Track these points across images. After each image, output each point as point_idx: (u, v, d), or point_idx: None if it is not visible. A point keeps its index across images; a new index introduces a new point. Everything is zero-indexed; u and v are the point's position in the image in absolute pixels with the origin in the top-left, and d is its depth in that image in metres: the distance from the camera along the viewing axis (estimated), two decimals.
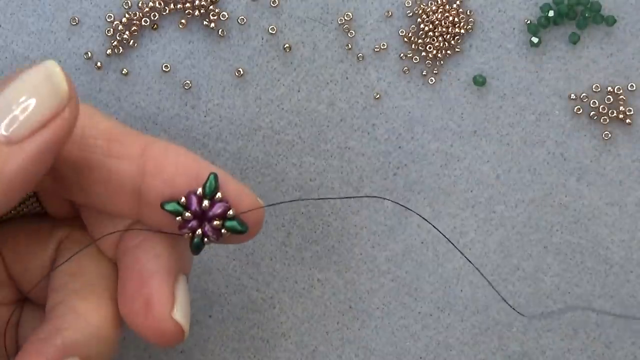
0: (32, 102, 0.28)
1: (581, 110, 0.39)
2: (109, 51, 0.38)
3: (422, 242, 0.40)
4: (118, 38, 0.38)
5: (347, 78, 0.39)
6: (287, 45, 0.39)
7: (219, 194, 0.31)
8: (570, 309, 0.40)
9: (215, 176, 0.31)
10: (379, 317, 0.40)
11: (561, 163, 0.40)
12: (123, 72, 0.39)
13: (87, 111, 0.31)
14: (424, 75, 0.39)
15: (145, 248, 0.32)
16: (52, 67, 0.28)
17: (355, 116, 0.39)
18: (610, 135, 0.39)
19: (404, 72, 0.39)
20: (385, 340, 0.40)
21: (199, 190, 0.31)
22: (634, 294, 0.40)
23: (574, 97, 0.39)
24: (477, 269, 0.40)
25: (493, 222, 0.40)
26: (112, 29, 0.38)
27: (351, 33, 0.39)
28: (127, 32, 0.38)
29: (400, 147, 0.40)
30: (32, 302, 0.35)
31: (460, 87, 0.39)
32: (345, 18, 0.39)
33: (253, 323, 0.40)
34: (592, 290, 0.40)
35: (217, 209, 0.31)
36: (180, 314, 0.31)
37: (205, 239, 0.31)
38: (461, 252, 0.40)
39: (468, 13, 0.39)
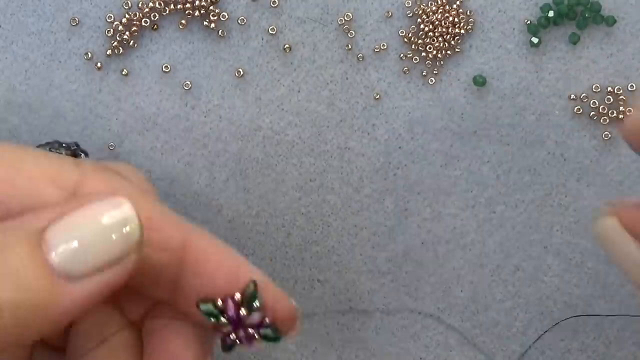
0: (101, 244, 0.27)
1: (581, 110, 0.39)
2: (109, 51, 0.38)
3: (422, 243, 0.40)
4: (118, 38, 0.38)
5: (347, 78, 0.39)
6: (287, 45, 0.39)
7: (257, 302, 0.30)
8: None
9: (255, 284, 0.30)
10: (379, 317, 0.40)
11: (561, 163, 0.40)
12: (123, 72, 0.39)
13: (127, 194, 0.31)
14: (424, 75, 0.39)
15: (175, 330, 0.31)
16: (128, 212, 0.28)
17: (355, 116, 0.39)
18: (610, 135, 0.39)
19: (404, 72, 0.39)
20: (385, 341, 0.40)
21: (237, 296, 0.30)
22: (634, 294, 0.40)
23: (574, 97, 0.39)
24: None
25: (493, 223, 0.40)
26: (112, 30, 0.38)
27: (351, 33, 0.39)
28: (127, 33, 0.38)
29: (400, 147, 0.40)
30: (44, 344, 0.34)
31: (460, 87, 0.39)
32: (345, 18, 0.39)
33: None
34: (592, 290, 0.40)
35: (254, 318, 0.30)
36: None
37: (238, 342, 0.31)
38: None
39: (468, 13, 0.39)
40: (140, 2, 0.38)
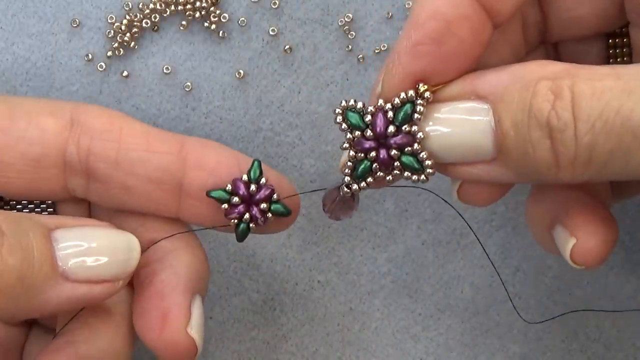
0: (104, 260, 0.29)
1: None
2: (109, 53, 0.38)
3: (422, 244, 0.40)
4: (119, 40, 0.38)
5: (347, 79, 0.39)
6: (287, 46, 0.39)
7: (263, 179, 0.32)
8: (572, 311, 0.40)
9: (259, 162, 0.32)
10: (379, 318, 0.40)
11: None
12: (124, 74, 0.39)
13: (120, 115, 0.33)
14: None
15: (165, 265, 0.32)
16: (134, 244, 0.30)
17: None
18: None
19: None
20: (385, 342, 0.40)
21: (244, 177, 0.32)
22: (634, 294, 0.40)
23: None
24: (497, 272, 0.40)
25: (493, 223, 0.40)
26: (112, 31, 0.38)
27: (352, 34, 0.39)
28: (127, 34, 0.38)
29: None
30: (39, 325, 0.35)
31: None
32: (346, 19, 0.39)
33: (254, 325, 0.40)
34: (592, 291, 0.40)
35: (264, 192, 0.32)
36: (195, 330, 0.31)
37: (252, 224, 0.32)
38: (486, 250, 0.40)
39: None
40: (141, 4, 0.38)
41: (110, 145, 0.31)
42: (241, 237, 0.32)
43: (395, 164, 0.29)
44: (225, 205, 0.32)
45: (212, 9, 0.38)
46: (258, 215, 0.32)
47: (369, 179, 0.30)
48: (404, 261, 0.40)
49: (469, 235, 0.40)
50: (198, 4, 0.38)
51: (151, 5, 0.38)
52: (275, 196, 0.32)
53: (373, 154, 0.29)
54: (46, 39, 0.38)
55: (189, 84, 0.39)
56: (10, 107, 0.32)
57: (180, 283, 0.32)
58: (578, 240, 0.30)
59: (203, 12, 0.38)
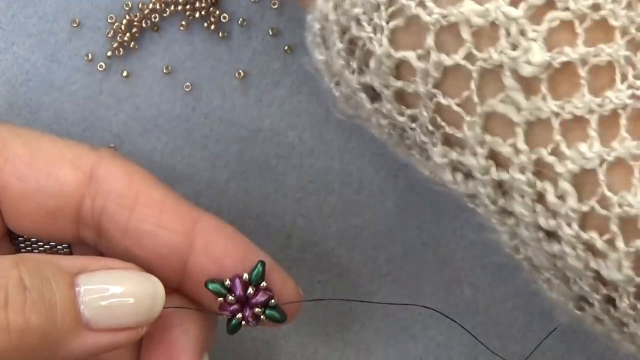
0: (128, 308, 0.29)
1: None
2: (109, 53, 0.38)
3: (422, 244, 0.40)
4: (119, 40, 0.38)
5: None
6: (287, 47, 0.39)
7: (263, 283, 0.32)
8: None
9: (264, 264, 0.32)
10: (379, 318, 0.40)
11: None
12: (124, 74, 0.39)
13: (141, 177, 0.32)
14: None
15: (174, 321, 0.32)
16: (159, 290, 0.30)
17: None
18: None
19: None
20: (385, 342, 0.40)
21: (245, 276, 0.31)
22: None
23: None
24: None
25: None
26: (112, 31, 0.38)
27: None
28: (127, 34, 0.38)
29: None
30: None
31: None
32: None
33: None
34: None
35: (261, 297, 0.32)
36: None
37: (243, 322, 0.32)
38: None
39: None
40: (141, 4, 0.38)
41: (122, 212, 0.31)
42: (232, 332, 0.32)
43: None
44: (221, 299, 0.31)
45: (212, 9, 0.38)
46: (250, 318, 0.32)
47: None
48: (404, 261, 0.40)
49: (468, 235, 0.40)
50: (198, 4, 0.38)
51: (151, 5, 0.38)
52: (273, 301, 0.32)
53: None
54: (46, 38, 0.38)
55: (189, 83, 0.39)
56: (30, 151, 0.32)
57: (189, 344, 0.32)
58: None
59: (203, 12, 0.38)
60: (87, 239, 0.33)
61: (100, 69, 0.39)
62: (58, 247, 0.33)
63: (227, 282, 0.31)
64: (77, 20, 0.38)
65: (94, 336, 0.28)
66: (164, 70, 0.39)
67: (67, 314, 0.27)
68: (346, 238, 0.40)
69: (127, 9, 0.38)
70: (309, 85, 0.39)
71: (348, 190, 0.40)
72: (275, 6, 0.39)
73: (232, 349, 0.40)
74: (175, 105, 0.39)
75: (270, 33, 0.39)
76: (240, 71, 0.39)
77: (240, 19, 0.39)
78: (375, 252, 0.40)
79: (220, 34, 0.39)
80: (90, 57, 0.39)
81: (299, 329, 0.40)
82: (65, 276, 0.28)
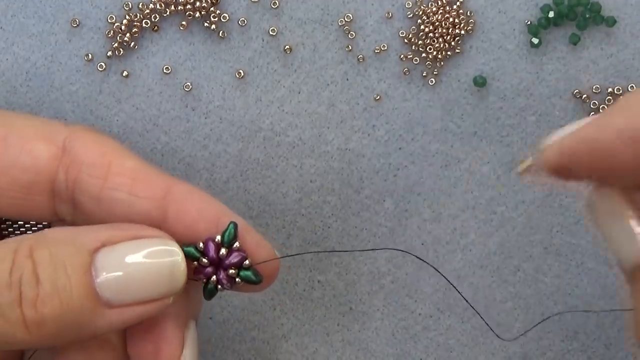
0: (147, 283, 0.29)
1: (581, 110, 0.39)
2: (109, 53, 0.38)
3: (422, 244, 0.40)
4: (119, 40, 0.38)
5: (347, 79, 0.39)
6: (287, 46, 0.39)
7: (236, 244, 0.31)
8: (551, 316, 0.40)
9: (235, 225, 0.31)
10: (379, 318, 0.40)
11: None
12: (124, 73, 0.39)
13: (114, 148, 0.32)
14: (424, 76, 0.39)
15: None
16: (177, 259, 0.30)
17: (355, 117, 0.39)
18: None
19: (404, 73, 0.39)
20: (385, 342, 0.40)
21: (218, 238, 0.31)
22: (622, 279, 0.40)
23: (574, 97, 0.39)
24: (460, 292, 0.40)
25: (493, 223, 0.40)
26: (112, 31, 0.38)
27: (351, 34, 0.39)
28: (127, 34, 0.38)
29: (400, 148, 0.40)
30: None
31: (460, 88, 0.39)
32: (346, 19, 0.39)
33: (254, 325, 0.40)
34: (592, 291, 0.40)
35: (234, 258, 0.31)
36: (188, 358, 0.31)
37: (219, 286, 0.31)
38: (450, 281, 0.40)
39: (468, 14, 0.39)
40: (141, 4, 0.38)
41: (95, 182, 0.31)
42: (208, 297, 0.32)
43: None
44: (195, 263, 0.31)
45: (212, 9, 0.38)
46: (225, 280, 0.31)
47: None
48: (404, 261, 0.40)
49: (468, 236, 0.40)
50: (198, 4, 0.38)
51: (151, 5, 0.38)
52: (247, 262, 0.31)
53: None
54: (46, 39, 0.38)
55: (188, 83, 0.39)
56: (4, 128, 0.32)
57: (173, 311, 0.31)
58: None
59: (203, 12, 0.38)
60: (64, 215, 0.32)
61: (100, 69, 0.39)
62: (37, 227, 0.33)
63: (201, 245, 0.31)
64: (77, 20, 0.38)
65: (120, 312, 0.28)
66: (164, 70, 0.39)
67: (84, 298, 0.28)
68: (346, 238, 0.40)
69: (127, 9, 0.38)
70: (308, 85, 0.39)
71: (348, 190, 0.40)
72: (275, 6, 0.39)
73: (232, 349, 0.40)
74: (175, 105, 0.39)
75: (270, 33, 0.39)
76: (240, 71, 0.39)
77: (240, 19, 0.39)
78: (375, 252, 0.40)
79: (220, 34, 0.39)
80: (90, 57, 0.39)
81: (299, 329, 0.40)
82: (82, 258, 0.28)
